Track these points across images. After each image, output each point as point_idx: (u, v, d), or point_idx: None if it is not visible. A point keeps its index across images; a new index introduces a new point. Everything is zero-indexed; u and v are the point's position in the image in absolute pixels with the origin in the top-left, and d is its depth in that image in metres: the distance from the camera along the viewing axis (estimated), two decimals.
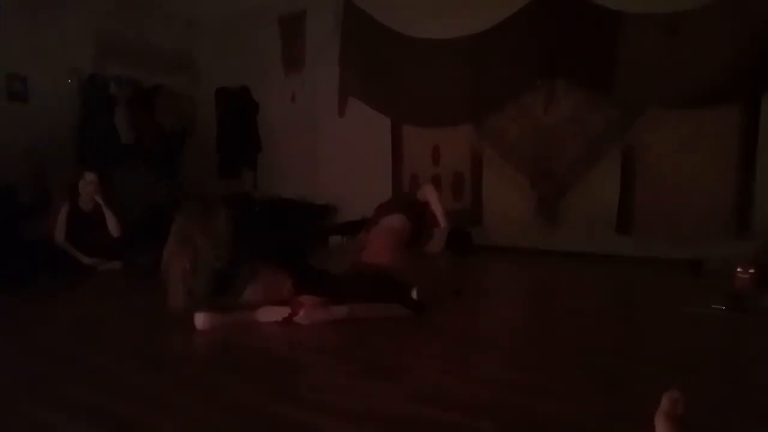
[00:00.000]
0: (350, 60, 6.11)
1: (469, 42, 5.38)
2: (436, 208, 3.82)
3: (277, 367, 2.32)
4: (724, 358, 2.44)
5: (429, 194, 3.89)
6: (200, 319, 2.72)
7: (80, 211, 4.56)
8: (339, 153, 6.36)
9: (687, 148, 4.59)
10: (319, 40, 6.35)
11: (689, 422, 1.48)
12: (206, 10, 6.66)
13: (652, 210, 4.75)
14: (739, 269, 3.41)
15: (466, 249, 5.22)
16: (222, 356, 2.49)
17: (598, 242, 4.95)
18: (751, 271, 3.37)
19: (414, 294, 2.97)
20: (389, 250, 3.44)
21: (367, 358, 2.36)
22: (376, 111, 6.04)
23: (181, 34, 6.83)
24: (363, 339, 2.61)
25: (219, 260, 2.77)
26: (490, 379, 2.10)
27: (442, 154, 5.80)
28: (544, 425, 1.71)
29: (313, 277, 3.00)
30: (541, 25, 4.98)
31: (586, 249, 4.98)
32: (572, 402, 1.86)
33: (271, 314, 2.78)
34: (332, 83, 6.21)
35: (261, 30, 6.71)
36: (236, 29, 6.78)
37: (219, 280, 2.78)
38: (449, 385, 2.03)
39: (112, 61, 6.04)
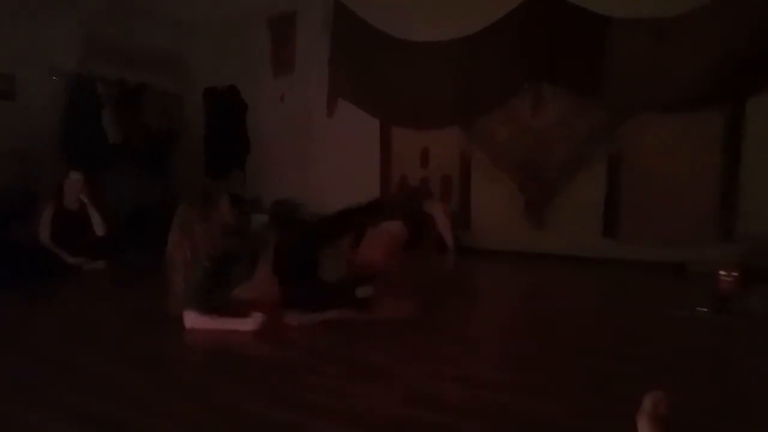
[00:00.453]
0: (340, 61, 6.11)
1: (458, 45, 5.41)
2: (444, 231, 3.90)
3: (270, 369, 2.31)
4: (708, 359, 2.46)
5: (437, 216, 3.96)
6: (189, 318, 2.70)
7: (65, 210, 4.52)
8: (328, 154, 6.36)
9: (673, 151, 4.65)
10: (309, 42, 6.34)
11: (673, 422, 1.49)
12: (196, 11, 6.62)
13: (638, 213, 4.80)
14: (722, 272, 3.45)
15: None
16: (214, 358, 2.48)
17: (585, 245, 4.99)
18: (734, 273, 3.41)
19: (362, 292, 2.88)
20: (386, 255, 3.45)
21: (362, 360, 2.36)
22: (366, 112, 6.05)
23: (171, 34, 6.79)
24: (358, 341, 2.61)
25: (210, 259, 2.75)
26: (484, 380, 2.11)
27: (431, 157, 5.81)
28: (536, 425, 1.72)
29: (297, 287, 2.93)
30: (529, 28, 5.02)
31: (573, 252, 5.02)
32: (564, 402, 1.88)
33: (245, 324, 2.72)
34: (322, 84, 6.21)
35: (251, 30, 6.69)
36: (226, 30, 6.76)
37: (209, 279, 2.76)
38: (444, 387, 2.04)
39: (100, 61, 5.98)
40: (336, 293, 2.91)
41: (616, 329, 3.00)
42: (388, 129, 6.05)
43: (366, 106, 6.05)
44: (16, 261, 4.02)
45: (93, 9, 5.87)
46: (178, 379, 2.15)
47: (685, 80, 4.45)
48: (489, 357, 2.46)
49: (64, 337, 2.72)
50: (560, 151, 5.08)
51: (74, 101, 5.77)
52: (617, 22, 4.68)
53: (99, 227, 4.61)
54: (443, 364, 2.31)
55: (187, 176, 6.84)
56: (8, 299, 3.52)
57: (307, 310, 2.85)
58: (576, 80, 4.92)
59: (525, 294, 4.10)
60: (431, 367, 2.26)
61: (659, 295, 3.82)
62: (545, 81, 5.07)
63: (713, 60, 4.33)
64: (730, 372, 2.31)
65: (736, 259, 3.59)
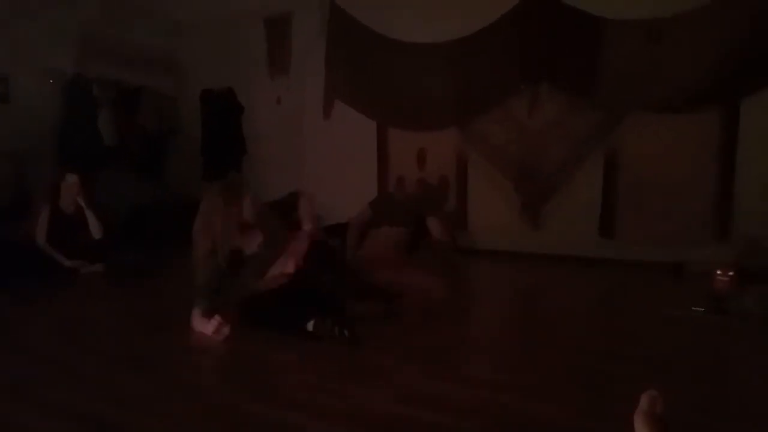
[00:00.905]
0: (336, 62, 6.11)
1: (454, 46, 5.42)
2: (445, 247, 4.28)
3: (270, 370, 2.31)
4: (706, 359, 2.48)
5: (436, 234, 4.08)
6: (196, 320, 2.68)
7: (62, 212, 4.50)
8: (325, 155, 6.36)
9: (668, 152, 4.68)
10: (305, 43, 6.34)
11: (672, 422, 1.50)
12: (192, 12, 6.61)
13: (634, 213, 4.83)
14: (718, 272, 3.48)
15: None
16: (214, 358, 2.47)
17: (582, 245, 5.01)
18: (731, 273, 3.43)
19: (310, 326, 2.62)
20: (390, 262, 3.47)
21: (362, 360, 2.36)
22: (362, 114, 6.05)
23: (167, 35, 6.78)
24: (357, 341, 2.59)
25: (223, 257, 2.72)
26: (484, 380, 2.11)
27: (427, 157, 5.82)
28: (536, 425, 1.72)
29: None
30: (525, 29, 5.03)
31: (570, 252, 5.04)
32: (564, 402, 1.89)
33: (206, 327, 2.66)
34: (318, 86, 6.21)
35: (247, 32, 6.68)
36: (222, 31, 6.75)
37: (219, 279, 2.74)
38: (444, 387, 2.04)
39: (96, 62, 5.96)
40: (287, 320, 2.70)
41: (615, 329, 3.02)
42: (385, 130, 6.06)
43: (362, 108, 6.06)
44: (12, 262, 4.01)
45: (89, 10, 5.85)
46: (178, 379, 2.14)
47: (682, 80, 4.47)
48: (489, 357, 2.46)
49: (63, 338, 2.72)
50: (557, 152, 5.10)
51: (70, 103, 5.75)
52: (612, 23, 4.70)
53: (96, 229, 4.58)
54: (443, 364, 2.31)
55: (183, 178, 6.83)
56: (5, 300, 3.51)
57: (252, 323, 2.76)
58: (572, 81, 4.94)
59: (523, 294, 4.11)
60: (431, 367, 2.26)
61: (656, 295, 3.84)
62: (542, 82, 5.09)
63: (710, 60, 4.35)
64: (729, 372, 2.32)
65: (731, 259, 3.62)
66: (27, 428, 1.72)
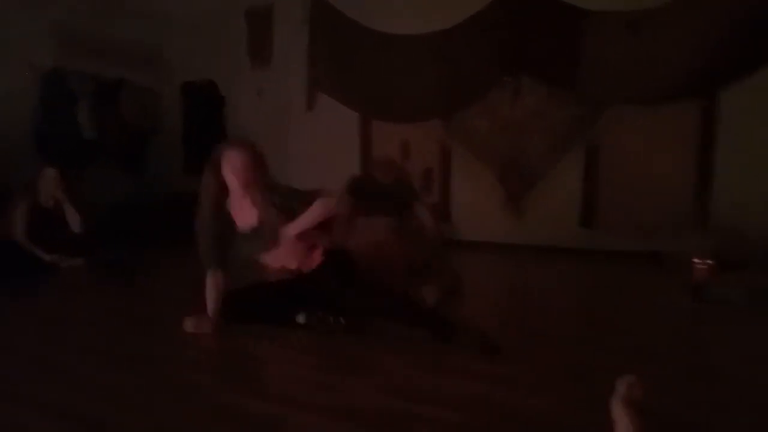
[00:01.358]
0: (318, 54, 6.06)
1: (436, 38, 5.42)
2: (432, 233, 4.02)
3: (257, 365, 2.32)
4: (694, 349, 2.53)
5: (426, 221, 4.03)
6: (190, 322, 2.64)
7: (41, 207, 4.42)
8: (307, 147, 6.33)
9: (649, 143, 4.77)
10: (287, 35, 6.28)
11: (646, 406, 1.54)
12: (172, 4, 6.49)
13: (614, 204, 4.92)
14: (696, 260, 3.58)
15: None
16: (199, 354, 2.45)
17: (565, 236, 5.08)
18: (709, 261, 3.54)
19: (301, 318, 2.64)
20: (381, 257, 3.43)
21: (350, 353, 2.37)
22: (345, 106, 6.02)
23: (147, 27, 6.65)
24: (345, 335, 2.58)
25: (216, 218, 2.63)
26: (464, 371, 2.13)
27: (411, 149, 5.83)
28: (525, 417, 1.75)
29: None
30: (507, 21, 5.06)
31: (553, 243, 5.11)
32: (554, 394, 1.92)
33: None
34: (301, 77, 6.16)
35: (228, 24, 6.59)
36: (203, 23, 6.65)
37: (216, 241, 2.65)
38: (423, 379, 2.06)
39: (75, 55, 5.83)
40: (278, 313, 2.70)
41: (600, 320, 3.07)
42: (369, 122, 6.06)
43: (345, 99, 6.03)
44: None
45: (67, 3, 5.70)
46: (175, 378, 2.12)
47: (661, 73, 4.55)
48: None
49: (35, 333, 2.70)
50: (539, 143, 5.16)
51: (48, 97, 5.62)
52: (594, 14, 4.76)
53: (75, 224, 4.52)
54: (429, 356, 2.32)
55: (166, 171, 6.73)
56: None
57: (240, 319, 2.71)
58: (554, 73, 4.99)
59: (508, 286, 4.15)
60: (426, 361, 2.27)
61: (641, 286, 3.91)
62: (524, 74, 5.13)
63: (688, 53, 4.43)
64: (722, 364, 2.34)
65: (710, 249, 3.72)
66: (27, 428, 1.70)
